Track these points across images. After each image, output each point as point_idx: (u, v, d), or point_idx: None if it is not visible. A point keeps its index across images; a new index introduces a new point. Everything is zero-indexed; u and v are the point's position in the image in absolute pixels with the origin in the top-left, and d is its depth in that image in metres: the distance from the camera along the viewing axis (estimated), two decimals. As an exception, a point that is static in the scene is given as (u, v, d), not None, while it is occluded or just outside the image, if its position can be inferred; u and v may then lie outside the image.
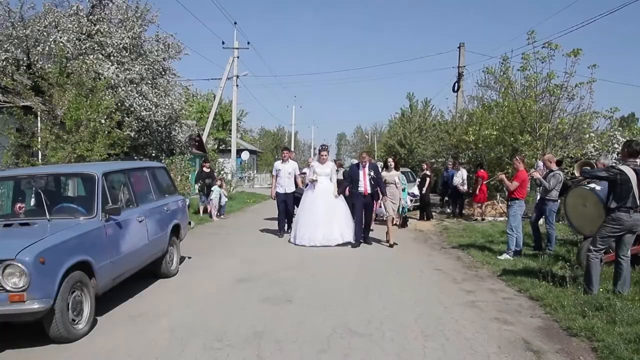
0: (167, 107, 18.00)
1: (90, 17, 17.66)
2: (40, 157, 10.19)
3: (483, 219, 15.50)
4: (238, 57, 29.63)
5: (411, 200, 15.62)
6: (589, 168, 7.80)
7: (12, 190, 6.07)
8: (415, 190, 16.23)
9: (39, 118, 10.76)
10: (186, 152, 21.42)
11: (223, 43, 29.43)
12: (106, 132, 10.18)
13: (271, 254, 9.55)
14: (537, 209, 9.54)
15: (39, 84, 12.49)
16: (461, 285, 7.27)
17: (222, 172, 23.49)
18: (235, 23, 29.47)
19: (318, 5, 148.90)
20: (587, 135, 13.19)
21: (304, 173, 12.41)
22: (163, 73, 19.05)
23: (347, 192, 10.99)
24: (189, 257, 8.86)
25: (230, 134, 40.89)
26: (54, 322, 4.50)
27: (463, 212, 16.67)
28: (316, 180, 10.62)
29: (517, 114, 15.41)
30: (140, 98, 16.70)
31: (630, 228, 6.20)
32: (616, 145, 13.91)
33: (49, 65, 15.67)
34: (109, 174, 6.00)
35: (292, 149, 36.45)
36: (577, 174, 8.86)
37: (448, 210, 17.75)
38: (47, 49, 15.81)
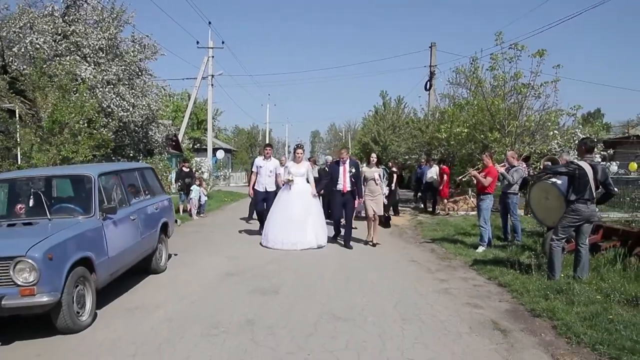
0: (144, 107, 18.16)
1: (65, 17, 17.71)
2: (19, 159, 10.34)
3: (448, 213, 16.12)
4: (213, 56, 29.83)
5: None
6: (549, 164, 8.37)
7: (8, 192, 6.33)
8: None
9: (17, 119, 10.93)
10: (163, 152, 21.60)
11: (198, 43, 29.58)
12: (90, 133, 10.39)
13: (253, 250, 9.86)
14: (502, 203, 10.10)
15: (16, 86, 12.62)
16: (435, 275, 7.78)
17: (199, 171, 23.67)
18: (209, 23, 29.58)
19: (292, 6, 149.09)
20: (551, 133, 13.91)
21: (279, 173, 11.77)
22: (139, 74, 19.18)
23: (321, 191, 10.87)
24: (175, 254, 9.16)
25: (205, 132, 41.01)
26: (61, 314, 4.83)
27: (437, 206, 17.22)
28: (292, 180, 10.17)
29: (486, 112, 16.04)
30: (117, 99, 16.84)
31: (587, 218, 6.80)
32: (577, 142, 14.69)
33: (24, 66, 15.74)
34: (104, 174, 6.31)
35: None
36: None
37: (421, 205, 18.35)
38: (22, 50, 15.84)
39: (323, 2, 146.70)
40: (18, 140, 9.44)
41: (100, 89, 15.97)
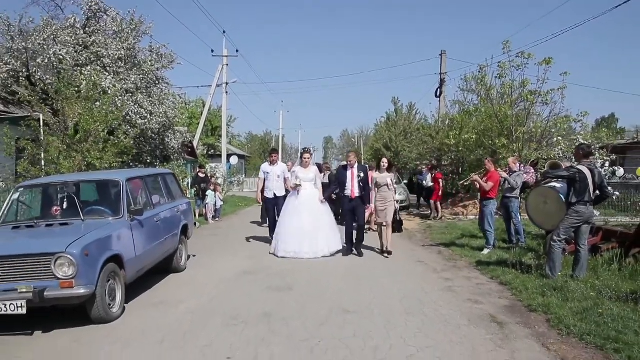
0: (161, 115, 18.79)
1: (86, 29, 18.42)
2: (43, 164, 10.92)
3: (441, 217, 16.45)
4: (227, 64, 30.43)
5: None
6: (548, 169, 8.75)
7: (44, 196, 6.88)
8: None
9: (41, 128, 11.55)
10: (179, 158, 22.24)
11: (212, 51, 30.25)
12: (114, 142, 10.99)
13: (267, 252, 10.22)
14: (504, 207, 10.45)
15: (43, 95, 13.26)
16: (440, 274, 8.19)
17: (214, 177, 24.25)
18: (224, 32, 30.19)
19: (306, 14, 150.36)
20: (555, 139, 14.28)
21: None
22: (157, 82, 19.85)
23: (332, 197, 10.59)
24: (194, 255, 9.65)
25: (219, 139, 41.72)
26: (96, 305, 5.34)
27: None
28: (300, 185, 9.84)
29: (494, 119, 16.46)
30: (135, 107, 17.50)
31: (587, 219, 7.22)
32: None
33: (48, 76, 16.44)
34: (131, 179, 6.84)
35: (280, 153, 37.25)
36: None
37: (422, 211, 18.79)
38: (46, 61, 16.55)
39: (335, 11, 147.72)
40: (46, 147, 10.02)
41: (120, 98, 16.60)
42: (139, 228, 6.51)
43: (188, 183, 20.07)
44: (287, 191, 10.65)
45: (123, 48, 18.16)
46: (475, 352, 4.66)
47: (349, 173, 9.72)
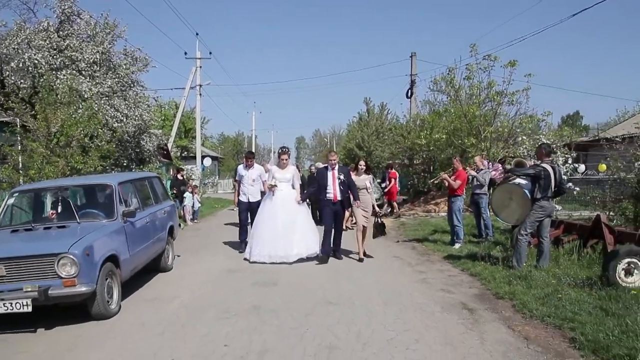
0: (137, 118, 18.91)
1: (60, 32, 18.42)
2: (25, 170, 11.02)
3: (398, 216, 17.10)
4: (201, 67, 30.62)
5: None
6: (514, 167, 9.36)
7: (37, 201, 7.17)
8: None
9: (18, 134, 11.68)
10: (155, 161, 22.37)
11: (186, 54, 30.32)
12: (97, 145, 11.23)
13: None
14: (474, 203, 11.07)
15: (19, 100, 13.32)
16: (415, 268, 8.74)
17: (191, 179, 24.43)
18: (197, 34, 30.12)
19: (276, 16, 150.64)
20: (520, 138, 15.05)
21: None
22: (132, 85, 19.93)
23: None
24: (178, 256, 9.95)
25: (192, 141, 41.68)
26: (96, 302, 5.70)
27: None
28: (275, 186, 9.40)
29: (463, 119, 17.16)
30: (112, 110, 17.62)
31: (549, 213, 7.89)
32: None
33: (22, 81, 16.45)
34: (122, 183, 7.18)
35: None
36: None
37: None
38: (20, 64, 16.54)
39: (309, 13, 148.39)
40: (29, 153, 10.20)
41: (97, 102, 16.70)
42: (131, 229, 6.86)
43: (167, 185, 20.25)
44: (263, 195, 10.25)
45: (98, 52, 18.18)
46: (448, 335, 5.17)
47: (329, 174, 9.23)
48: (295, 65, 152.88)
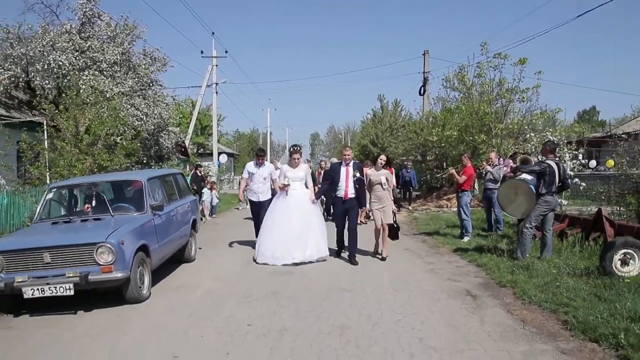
0: (156, 116, 19.58)
1: (81, 34, 19.12)
2: (52, 168, 11.65)
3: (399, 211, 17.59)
4: (217, 65, 31.19)
5: None
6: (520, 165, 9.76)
7: (73, 195, 7.77)
8: None
9: (45, 134, 12.36)
10: (173, 157, 23.04)
11: (202, 52, 30.96)
12: (122, 144, 11.87)
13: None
14: (486, 198, 11.48)
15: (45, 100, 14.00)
16: (424, 259, 9.21)
17: (209, 176, 25.06)
18: (213, 33, 30.69)
19: (292, 13, 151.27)
20: (528, 135, 15.39)
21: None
22: (151, 85, 20.63)
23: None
24: (200, 248, 10.51)
25: (208, 138, 42.42)
26: (130, 287, 6.26)
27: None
28: (288, 185, 8.95)
29: (474, 116, 17.53)
30: (132, 109, 18.27)
31: (553, 207, 8.32)
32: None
33: (47, 82, 17.15)
34: (150, 179, 7.74)
35: (267, 150, 38.11)
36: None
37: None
38: (45, 66, 17.24)
39: (325, 12, 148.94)
40: (60, 151, 10.83)
41: (118, 101, 17.34)
42: (160, 221, 7.42)
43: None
44: (273, 194, 9.77)
45: (118, 52, 18.87)
46: (452, 318, 5.64)
47: (343, 170, 8.88)
48: (311, 63, 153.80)
